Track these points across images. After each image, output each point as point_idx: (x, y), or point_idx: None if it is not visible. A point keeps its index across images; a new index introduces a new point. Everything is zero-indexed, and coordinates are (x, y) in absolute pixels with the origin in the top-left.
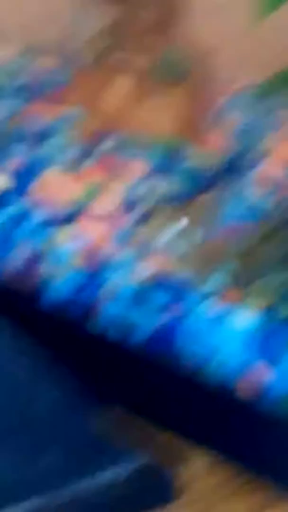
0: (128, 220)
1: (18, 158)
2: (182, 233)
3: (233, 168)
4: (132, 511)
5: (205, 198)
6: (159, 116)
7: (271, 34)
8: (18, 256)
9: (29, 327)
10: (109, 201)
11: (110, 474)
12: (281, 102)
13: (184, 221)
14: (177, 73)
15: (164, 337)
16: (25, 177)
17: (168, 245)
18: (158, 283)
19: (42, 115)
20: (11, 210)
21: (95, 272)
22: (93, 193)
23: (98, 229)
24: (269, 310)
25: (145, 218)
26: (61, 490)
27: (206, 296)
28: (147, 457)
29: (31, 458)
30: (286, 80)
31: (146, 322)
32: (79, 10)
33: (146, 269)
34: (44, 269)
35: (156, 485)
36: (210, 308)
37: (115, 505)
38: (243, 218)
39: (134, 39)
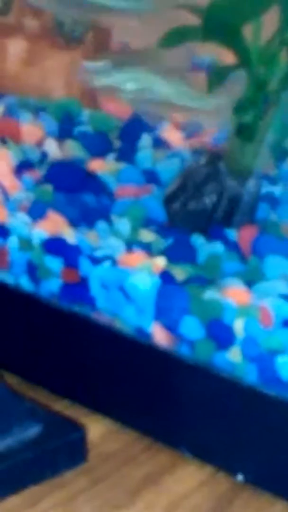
0: (20, 185)
1: None
2: None
3: (129, 133)
4: (46, 470)
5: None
6: (53, 80)
7: None
8: None
9: None
10: (0, 166)
11: (21, 432)
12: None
13: None
14: (72, 36)
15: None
16: None
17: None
18: (51, 248)
19: None
20: None
21: None
22: None
23: None
24: (165, 274)
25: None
26: None
27: (101, 261)
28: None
29: None
30: (182, 34)
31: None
32: None
33: (39, 234)
34: None
35: (69, 444)
36: (106, 272)
37: (29, 464)
38: (138, 182)
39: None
